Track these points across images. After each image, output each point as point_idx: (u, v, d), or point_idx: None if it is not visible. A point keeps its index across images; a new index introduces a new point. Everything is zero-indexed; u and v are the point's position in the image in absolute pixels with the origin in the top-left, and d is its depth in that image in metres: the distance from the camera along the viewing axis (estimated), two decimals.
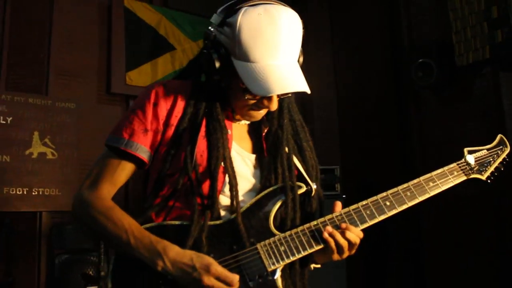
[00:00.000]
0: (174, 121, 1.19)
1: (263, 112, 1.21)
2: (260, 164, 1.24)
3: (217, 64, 1.11)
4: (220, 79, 1.16)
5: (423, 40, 3.90)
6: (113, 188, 1.19)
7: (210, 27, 1.16)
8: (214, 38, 1.13)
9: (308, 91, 1.10)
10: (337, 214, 1.17)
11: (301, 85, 1.08)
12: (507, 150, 1.40)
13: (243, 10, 1.07)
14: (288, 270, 1.18)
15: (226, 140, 1.18)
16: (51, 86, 3.75)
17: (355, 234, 1.14)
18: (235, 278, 1.04)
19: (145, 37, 4.28)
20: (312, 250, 1.12)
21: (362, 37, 4.56)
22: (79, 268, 3.42)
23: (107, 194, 1.17)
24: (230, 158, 1.18)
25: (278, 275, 1.10)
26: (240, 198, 1.17)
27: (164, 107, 1.19)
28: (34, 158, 3.54)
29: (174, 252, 1.05)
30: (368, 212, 1.18)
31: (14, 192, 3.40)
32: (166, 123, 1.19)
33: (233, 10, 1.08)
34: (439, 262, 3.74)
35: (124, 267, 1.11)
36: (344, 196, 3.92)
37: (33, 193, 3.48)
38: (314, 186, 1.24)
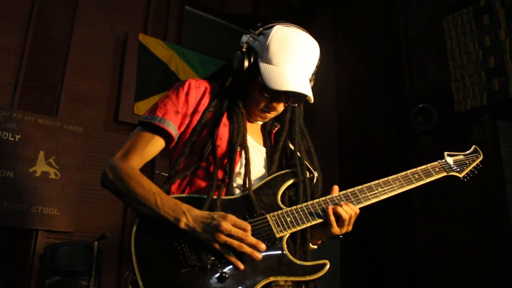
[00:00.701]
0: (201, 108, 1.37)
1: (272, 115, 1.40)
2: (269, 155, 1.40)
3: (246, 64, 1.33)
4: (244, 76, 1.36)
5: (424, 86, 4.02)
6: (141, 160, 1.32)
7: (247, 34, 1.38)
8: (248, 43, 1.36)
9: (311, 99, 1.32)
10: (336, 195, 1.32)
11: (307, 91, 1.29)
12: (481, 157, 1.58)
13: (277, 26, 1.33)
14: (291, 243, 1.26)
15: (245, 127, 1.36)
16: (62, 109, 3.90)
17: (353, 209, 1.29)
18: (248, 225, 1.16)
19: (156, 71, 4.47)
20: (315, 222, 1.26)
21: (365, 81, 4.72)
22: None
23: (135, 165, 1.30)
24: (246, 141, 1.34)
25: (284, 242, 1.21)
26: (252, 181, 1.31)
27: (194, 96, 1.38)
28: (37, 176, 3.61)
29: (196, 211, 1.19)
30: (363, 195, 1.34)
31: (13, 207, 3.44)
32: (195, 110, 1.37)
33: (270, 25, 1.35)
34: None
35: (147, 228, 1.19)
36: (341, 236, 3.88)
37: (32, 211, 3.51)
38: (316, 174, 1.41)
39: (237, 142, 1.31)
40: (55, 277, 3.49)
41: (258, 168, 1.36)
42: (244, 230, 1.14)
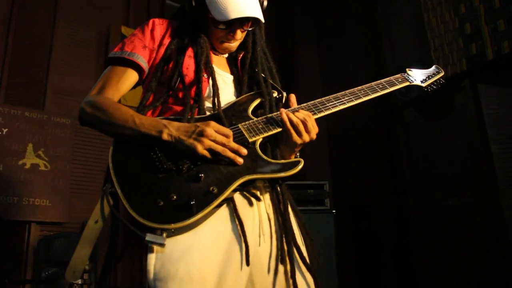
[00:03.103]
0: (166, 42, 1.41)
1: (233, 44, 1.43)
2: (237, 81, 1.44)
3: (193, 3, 1.39)
4: (197, 15, 1.41)
5: (405, 59, 4.10)
6: (117, 93, 1.34)
7: None
8: None
9: (262, 19, 1.35)
10: (297, 107, 1.34)
11: (254, 12, 1.31)
12: (442, 73, 1.65)
13: None
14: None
15: (208, 49, 1.40)
16: (48, 102, 3.89)
17: (305, 114, 1.29)
18: (230, 131, 1.20)
19: None
20: (281, 129, 1.28)
21: (348, 60, 4.80)
22: (65, 282, 3.36)
23: (112, 97, 1.32)
24: (210, 61, 1.37)
25: (257, 145, 1.24)
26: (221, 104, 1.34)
27: (159, 32, 1.43)
28: (26, 168, 3.58)
29: (176, 123, 1.22)
30: (324, 104, 1.36)
31: (4, 200, 3.41)
32: (160, 43, 1.41)
33: None
34: (431, 265, 3.69)
35: (123, 147, 1.21)
36: (334, 211, 3.91)
37: (23, 203, 3.49)
38: (284, 94, 1.43)
39: (202, 61, 1.35)
40: (51, 268, 3.44)
41: (227, 94, 1.39)
42: (227, 136, 1.18)
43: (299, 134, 1.27)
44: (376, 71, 4.39)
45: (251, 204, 1.23)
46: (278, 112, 1.30)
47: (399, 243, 4.03)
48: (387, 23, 4.36)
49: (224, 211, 1.18)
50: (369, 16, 4.62)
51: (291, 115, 1.27)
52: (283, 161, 1.23)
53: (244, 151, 1.18)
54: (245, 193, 1.23)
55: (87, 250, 1.17)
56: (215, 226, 1.15)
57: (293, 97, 1.38)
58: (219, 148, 1.16)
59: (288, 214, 1.25)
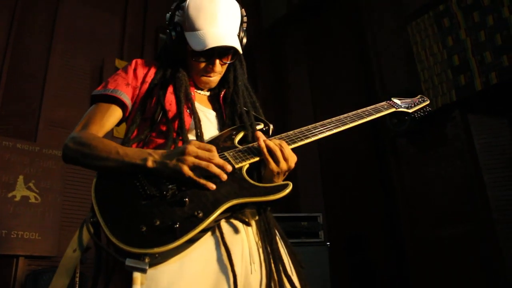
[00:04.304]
0: (149, 79, 1.44)
1: (213, 78, 1.45)
2: (219, 117, 1.45)
3: (173, 35, 1.40)
4: (177, 50, 1.43)
5: (395, 90, 4.16)
6: (101, 129, 1.34)
7: (168, 13, 1.45)
8: (170, 18, 1.43)
9: (240, 49, 1.38)
10: (276, 137, 1.33)
11: (232, 42, 1.34)
12: (427, 101, 1.68)
13: None
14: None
15: (188, 88, 1.41)
16: (40, 134, 3.88)
17: (281, 142, 1.28)
18: (213, 147, 1.17)
19: None
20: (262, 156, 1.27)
21: (338, 90, 4.86)
22: None
23: (96, 133, 1.32)
24: (191, 98, 1.39)
25: (244, 171, 1.23)
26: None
27: (141, 71, 1.46)
28: (16, 201, 3.53)
29: (160, 150, 1.21)
30: (313, 130, 1.37)
31: None
32: (143, 81, 1.44)
33: None
34: None
35: (107, 178, 1.19)
36: (328, 243, 3.87)
37: (12, 236, 3.41)
38: (271, 126, 1.46)
39: (182, 93, 1.36)
40: None
41: (210, 128, 1.39)
42: (209, 150, 1.16)
43: (276, 161, 1.24)
44: (367, 104, 4.44)
45: (238, 231, 1.21)
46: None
47: (394, 273, 3.96)
48: (377, 56, 4.45)
49: (211, 239, 1.16)
50: (360, 49, 4.72)
51: (268, 142, 1.25)
52: (270, 184, 1.20)
53: (229, 167, 1.16)
54: (232, 220, 1.21)
55: (64, 280, 1.13)
56: (203, 256, 1.13)
57: (260, 134, 1.33)
58: (203, 163, 1.13)
59: (276, 242, 1.23)
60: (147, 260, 1.00)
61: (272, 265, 1.19)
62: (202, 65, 1.40)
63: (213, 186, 1.13)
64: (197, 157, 1.13)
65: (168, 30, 1.43)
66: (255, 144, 1.29)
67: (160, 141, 1.32)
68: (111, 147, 1.22)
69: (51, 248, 3.58)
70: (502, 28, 3.36)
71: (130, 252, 1.01)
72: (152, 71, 1.46)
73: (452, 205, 3.60)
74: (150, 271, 1.05)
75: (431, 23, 3.93)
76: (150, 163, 1.15)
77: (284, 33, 5.71)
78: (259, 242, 1.23)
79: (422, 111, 1.63)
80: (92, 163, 1.22)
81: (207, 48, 1.31)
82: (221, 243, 1.15)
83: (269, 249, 1.21)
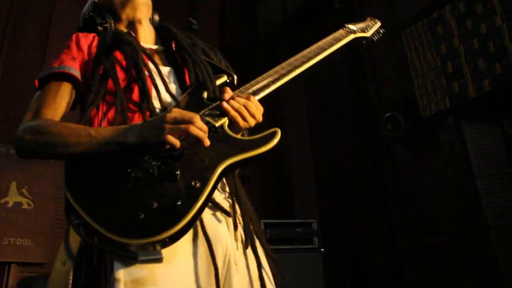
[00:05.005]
0: (94, 49, 1.32)
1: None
2: (178, 74, 1.35)
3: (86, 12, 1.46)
4: (98, 14, 1.43)
5: (390, 97, 4.18)
6: (57, 112, 1.20)
7: None
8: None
9: None
10: (238, 90, 1.23)
11: None
12: (379, 23, 1.69)
13: None
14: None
15: (141, 51, 1.32)
16: None
17: (247, 96, 1.18)
18: (194, 113, 1.06)
19: None
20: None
21: (333, 96, 4.88)
22: None
23: (52, 117, 1.18)
24: (146, 62, 1.29)
25: (226, 127, 1.13)
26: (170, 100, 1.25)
27: (84, 43, 1.33)
28: (9, 207, 3.51)
29: (137, 123, 1.10)
30: (270, 82, 1.25)
31: None
32: (89, 52, 1.31)
33: None
34: None
35: (77, 168, 1.04)
36: (322, 249, 3.87)
37: (4, 243, 3.39)
38: (235, 76, 1.37)
39: (137, 57, 1.27)
40: None
41: (171, 89, 1.28)
42: (191, 117, 1.04)
43: (244, 119, 1.15)
44: (361, 110, 4.46)
45: (220, 225, 1.14)
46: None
47: (389, 280, 3.96)
48: (372, 62, 4.47)
49: (191, 234, 1.07)
50: (354, 55, 4.74)
51: (232, 102, 1.15)
52: (257, 136, 1.10)
53: (206, 127, 1.05)
54: (213, 213, 1.13)
55: None
56: (185, 251, 1.05)
57: (227, 90, 1.21)
58: (182, 127, 1.01)
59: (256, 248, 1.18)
60: (158, 248, 0.92)
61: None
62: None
63: (207, 142, 1.03)
64: (175, 121, 1.02)
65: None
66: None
67: (129, 114, 1.18)
68: (80, 129, 1.07)
69: (44, 255, 3.55)
70: (495, 36, 3.39)
71: (137, 244, 0.90)
72: (95, 40, 1.34)
73: (446, 212, 3.61)
74: (134, 270, 0.96)
75: (425, 30, 3.95)
76: (131, 139, 1.03)
77: (280, 39, 5.73)
78: (240, 242, 1.16)
79: (376, 33, 1.64)
80: (58, 151, 1.06)
81: None
82: (203, 237, 1.07)
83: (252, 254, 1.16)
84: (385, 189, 4.16)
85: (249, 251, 1.18)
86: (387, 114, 3.98)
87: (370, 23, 1.65)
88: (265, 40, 5.78)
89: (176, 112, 1.04)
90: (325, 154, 4.79)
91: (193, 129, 1.02)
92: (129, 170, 0.99)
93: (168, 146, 1.01)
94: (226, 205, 1.18)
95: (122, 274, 0.96)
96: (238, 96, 1.17)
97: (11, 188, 3.56)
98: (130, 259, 0.93)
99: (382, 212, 4.11)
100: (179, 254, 1.03)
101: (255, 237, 1.20)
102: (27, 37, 4.19)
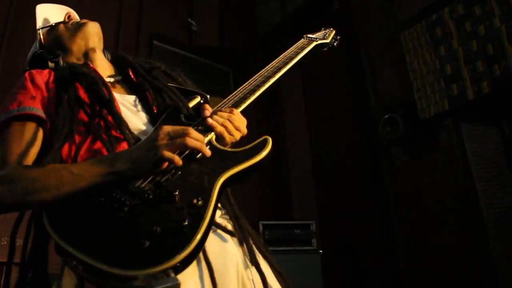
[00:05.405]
0: (52, 86, 1.23)
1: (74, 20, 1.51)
2: (142, 102, 1.30)
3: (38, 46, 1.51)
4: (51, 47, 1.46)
5: (389, 99, 4.19)
6: (25, 159, 1.08)
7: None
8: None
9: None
10: (218, 106, 1.22)
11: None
12: (334, 30, 1.81)
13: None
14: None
15: (101, 80, 1.27)
16: None
17: (229, 111, 1.16)
18: (187, 127, 1.04)
19: None
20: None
21: (332, 99, 4.88)
22: None
23: (21, 164, 1.07)
24: (111, 90, 1.25)
25: (214, 142, 1.12)
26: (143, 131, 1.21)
27: (40, 79, 1.24)
28: None
29: (122, 150, 1.05)
30: (239, 97, 1.25)
31: None
32: (48, 89, 1.22)
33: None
34: None
35: (59, 211, 0.96)
36: (321, 251, 3.86)
37: (3, 243, 3.36)
38: (207, 95, 1.34)
39: (100, 86, 1.21)
40: None
41: (140, 117, 1.25)
42: (184, 129, 1.01)
43: (229, 133, 1.14)
44: (360, 112, 4.47)
45: (226, 249, 1.09)
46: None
47: (388, 281, 3.96)
48: (370, 64, 4.47)
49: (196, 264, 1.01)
50: (353, 57, 4.74)
51: (216, 118, 1.13)
52: (248, 146, 1.08)
53: (202, 137, 1.03)
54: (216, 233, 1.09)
55: None
56: (196, 285, 0.99)
57: (207, 107, 1.20)
58: (178, 142, 0.97)
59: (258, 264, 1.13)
60: (172, 274, 0.84)
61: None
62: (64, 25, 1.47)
63: (208, 152, 1.01)
64: (169, 137, 0.99)
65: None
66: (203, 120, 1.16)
67: (99, 151, 1.11)
68: (57, 169, 0.99)
69: None
70: (494, 38, 3.40)
71: (149, 274, 0.81)
72: (51, 75, 1.27)
73: (445, 213, 3.62)
74: None
75: (423, 32, 3.96)
76: (121, 165, 0.97)
77: (279, 40, 5.73)
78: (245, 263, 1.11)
79: (334, 40, 1.75)
80: (41, 198, 0.95)
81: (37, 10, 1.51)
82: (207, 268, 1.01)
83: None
84: (384, 191, 4.16)
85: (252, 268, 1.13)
86: (386, 116, 3.98)
87: (326, 32, 1.78)
88: (264, 41, 5.78)
89: (167, 128, 1.01)
90: (324, 155, 4.79)
91: (190, 141, 0.99)
92: (123, 199, 0.92)
93: (165, 164, 0.98)
94: (225, 223, 1.15)
95: None
96: (220, 110, 1.16)
97: None
98: None
99: (381, 213, 4.11)
100: (188, 281, 0.97)
101: (257, 251, 1.16)
102: (26, 38, 4.18)
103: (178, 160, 0.97)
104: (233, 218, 1.16)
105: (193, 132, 1.01)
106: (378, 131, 4.07)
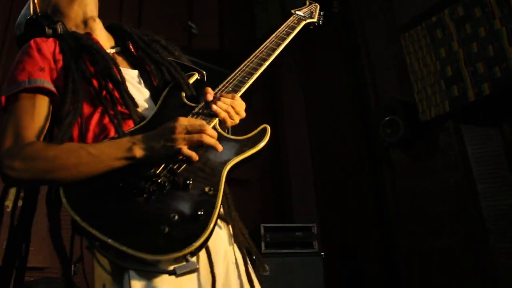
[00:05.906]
0: (59, 57, 1.22)
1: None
2: (144, 76, 1.31)
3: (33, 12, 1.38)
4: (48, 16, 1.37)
5: (389, 101, 4.18)
6: (39, 132, 1.10)
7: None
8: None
9: None
10: (218, 91, 1.25)
11: None
12: (318, 5, 1.78)
13: None
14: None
15: (108, 56, 1.26)
16: None
17: (231, 97, 1.19)
18: (201, 120, 1.10)
19: None
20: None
21: (332, 100, 4.89)
22: None
23: (36, 139, 1.09)
24: (117, 65, 1.25)
25: (218, 128, 1.16)
26: (146, 106, 1.22)
27: (47, 49, 1.23)
28: (9, 211, 3.48)
29: (139, 135, 1.05)
30: (237, 80, 1.28)
31: None
32: (54, 60, 1.21)
33: None
34: None
35: (78, 190, 1.00)
36: (322, 253, 3.86)
37: (3, 247, 3.36)
38: (204, 72, 1.38)
39: (109, 63, 1.21)
40: None
41: (142, 93, 1.26)
42: (201, 124, 1.06)
43: (231, 118, 1.18)
44: (361, 114, 4.47)
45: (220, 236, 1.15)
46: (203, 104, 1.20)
47: (389, 283, 3.95)
48: (371, 66, 4.47)
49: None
50: (353, 60, 4.75)
51: (220, 104, 1.16)
52: (250, 134, 1.16)
53: (216, 134, 1.08)
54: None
55: None
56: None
57: (209, 90, 1.22)
58: (195, 136, 1.02)
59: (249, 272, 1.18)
60: (190, 259, 0.90)
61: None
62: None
63: (220, 147, 1.07)
64: (187, 131, 1.03)
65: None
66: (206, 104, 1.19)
67: (106, 131, 1.13)
68: (76, 149, 1.02)
69: (44, 258, 3.52)
70: (494, 39, 3.40)
71: (171, 259, 0.89)
72: (57, 46, 1.25)
73: (445, 215, 3.61)
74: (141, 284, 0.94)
75: (424, 34, 3.96)
76: (138, 152, 1.00)
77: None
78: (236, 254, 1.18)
79: (319, 16, 1.74)
80: (60, 176, 0.99)
81: None
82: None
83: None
84: (384, 193, 4.16)
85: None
86: (387, 118, 3.98)
87: (312, 7, 1.76)
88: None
89: (184, 120, 1.05)
90: (325, 157, 4.80)
91: (207, 138, 1.04)
92: (142, 186, 0.96)
93: (181, 157, 1.02)
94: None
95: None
96: (222, 96, 1.20)
97: (10, 191, 3.54)
98: (166, 275, 0.90)
99: (382, 215, 4.11)
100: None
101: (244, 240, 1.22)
102: None
103: (196, 157, 1.03)
104: (225, 203, 1.20)
105: (209, 128, 1.06)
106: (379, 133, 4.07)
